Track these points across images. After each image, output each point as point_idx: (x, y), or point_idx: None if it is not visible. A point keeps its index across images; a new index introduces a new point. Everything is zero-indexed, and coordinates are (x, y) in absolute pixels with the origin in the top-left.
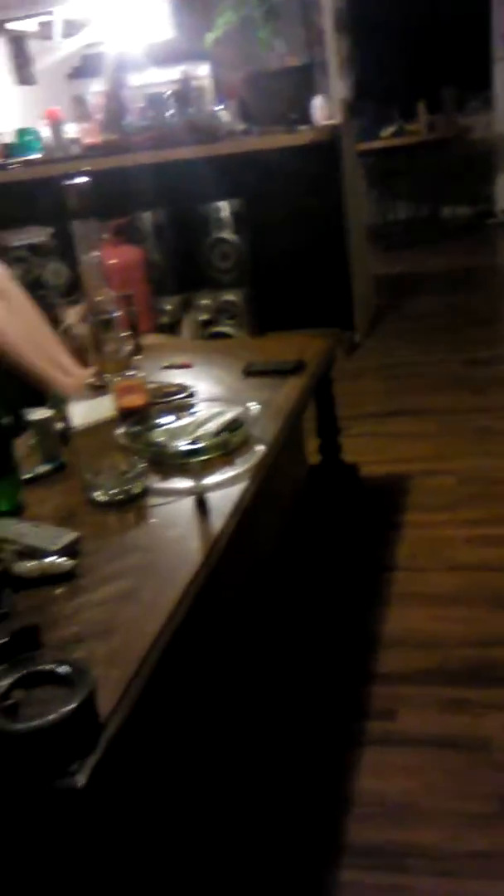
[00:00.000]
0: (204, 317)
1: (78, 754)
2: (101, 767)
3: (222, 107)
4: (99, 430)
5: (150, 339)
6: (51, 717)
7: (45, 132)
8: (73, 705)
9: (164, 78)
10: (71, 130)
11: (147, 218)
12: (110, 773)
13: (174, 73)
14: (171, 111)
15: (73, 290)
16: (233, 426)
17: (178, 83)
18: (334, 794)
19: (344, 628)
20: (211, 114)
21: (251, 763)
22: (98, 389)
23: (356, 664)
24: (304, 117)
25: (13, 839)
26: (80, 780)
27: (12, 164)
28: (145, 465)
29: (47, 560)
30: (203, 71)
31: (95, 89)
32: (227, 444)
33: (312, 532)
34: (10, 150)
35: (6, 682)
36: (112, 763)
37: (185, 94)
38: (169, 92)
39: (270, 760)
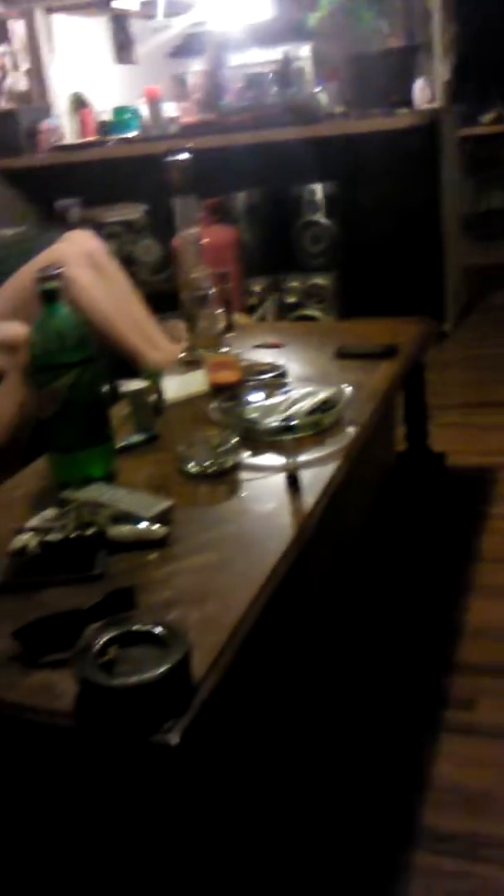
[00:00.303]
0: (291, 299)
1: (172, 714)
2: (193, 728)
3: (321, 88)
4: (191, 404)
5: (239, 319)
6: (148, 675)
7: (144, 111)
8: (169, 665)
9: (264, 58)
10: (169, 109)
11: (240, 198)
12: (202, 734)
13: (275, 53)
14: (271, 92)
15: (164, 267)
16: (325, 406)
17: (278, 63)
18: (411, 779)
19: (426, 616)
20: (310, 95)
21: (331, 742)
22: (188, 365)
23: (437, 653)
24: (405, 100)
25: (108, 792)
26: (174, 738)
27: (109, 141)
28: (237, 439)
29: (141, 526)
30: (304, 52)
31: (195, 69)
32: (320, 423)
33: (398, 518)
34: (107, 127)
35: (103, 639)
36: (204, 725)
37: (285, 74)
38: (269, 72)
39: (350, 740)
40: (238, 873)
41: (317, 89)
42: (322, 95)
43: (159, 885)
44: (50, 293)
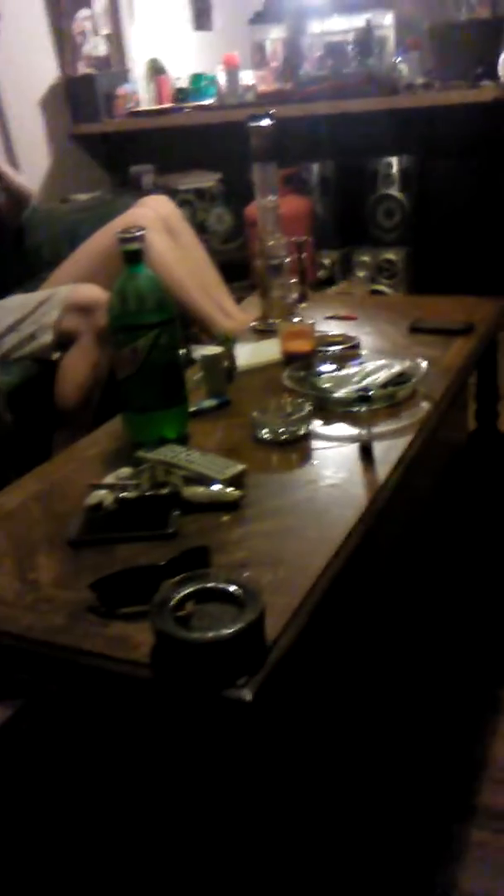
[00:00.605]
0: (362, 274)
1: (246, 671)
2: (266, 686)
3: (403, 58)
4: (262, 372)
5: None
6: (225, 631)
7: (221, 78)
8: (245, 623)
9: (345, 26)
10: (246, 77)
11: (314, 169)
12: (274, 692)
13: (357, 21)
14: (350, 61)
15: (235, 236)
16: (400, 380)
17: (359, 32)
18: (470, 756)
19: (489, 595)
20: (391, 65)
21: (393, 717)
22: (260, 333)
23: (499, 631)
24: (490, 73)
25: (181, 742)
26: (248, 694)
27: (185, 108)
28: (310, 408)
29: (215, 488)
30: (387, 20)
31: (274, 36)
32: (394, 396)
33: (466, 497)
34: (183, 94)
35: (180, 594)
36: (276, 683)
37: (366, 43)
38: (350, 41)
39: (410, 717)
40: (300, 832)
41: (398, 59)
42: (403, 66)
43: (227, 836)
44: (132, 254)
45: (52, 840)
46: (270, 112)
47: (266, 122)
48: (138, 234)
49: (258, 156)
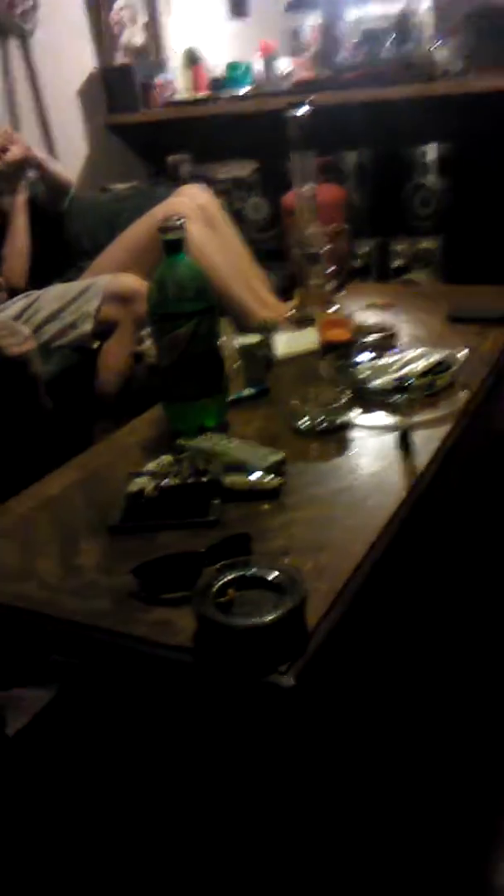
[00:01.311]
0: (397, 263)
1: (287, 657)
2: (307, 671)
3: (441, 44)
4: (300, 361)
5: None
6: (267, 617)
7: (257, 66)
8: (287, 609)
9: (382, 12)
10: (283, 65)
11: (350, 158)
12: (316, 678)
13: (394, 7)
14: (387, 47)
15: (271, 225)
16: (438, 369)
17: (397, 18)
18: None
19: None
20: (429, 51)
21: (434, 700)
22: (298, 323)
23: None
24: None
25: (223, 726)
26: (289, 680)
27: (221, 97)
28: (349, 397)
29: (255, 476)
30: (425, 4)
31: (311, 23)
32: (433, 385)
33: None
34: (219, 83)
35: (222, 580)
36: (318, 669)
37: (403, 29)
38: (387, 27)
39: (451, 701)
40: (340, 818)
41: (435, 45)
42: (441, 52)
43: (266, 819)
44: (172, 243)
45: (90, 823)
46: (309, 100)
47: (304, 111)
48: (178, 223)
49: (296, 144)
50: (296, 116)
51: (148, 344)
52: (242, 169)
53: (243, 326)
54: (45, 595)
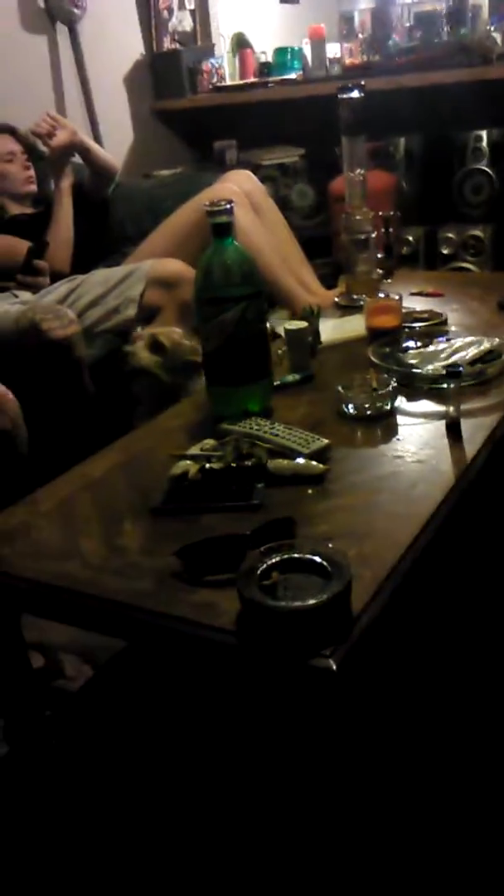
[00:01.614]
0: (446, 251)
1: (332, 641)
2: (352, 656)
3: (497, 27)
4: (346, 347)
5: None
6: (312, 600)
7: (306, 51)
8: (333, 593)
9: None
10: (333, 50)
11: (400, 143)
12: (360, 663)
13: None
14: (441, 31)
15: (317, 212)
16: (489, 357)
17: (452, 1)
18: None
19: None
20: (484, 34)
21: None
22: (344, 309)
23: None
24: None
25: (265, 709)
26: (333, 663)
27: (269, 82)
28: (396, 384)
29: (299, 461)
30: None
31: (362, 7)
32: (482, 373)
33: None
34: (268, 68)
35: (266, 563)
36: (362, 654)
37: (458, 12)
38: (441, 10)
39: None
40: (382, 802)
41: (492, 28)
42: (497, 34)
43: (307, 797)
44: (221, 227)
45: (131, 802)
46: (360, 83)
47: (356, 94)
48: (227, 206)
49: (347, 128)
50: (348, 99)
51: (139, 345)
52: (289, 155)
53: (289, 312)
54: (89, 575)
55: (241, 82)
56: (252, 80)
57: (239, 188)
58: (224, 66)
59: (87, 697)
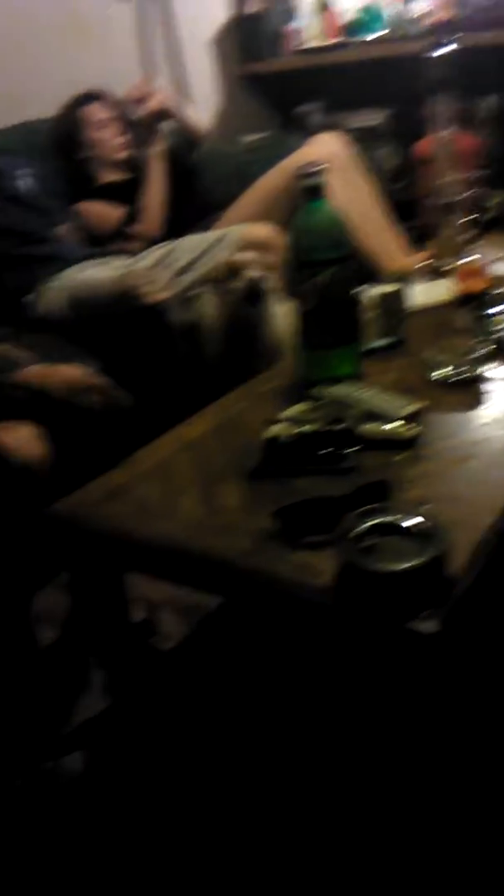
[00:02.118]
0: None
1: (429, 604)
2: (449, 619)
3: None
4: (435, 311)
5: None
6: (411, 563)
7: (391, 9)
8: (431, 556)
9: None
10: (418, 7)
11: (485, 105)
12: (457, 627)
13: None
14: None
15: (402, 176)
16: None
17: None
18: None
19: None
20: None
21: None
22: (432, 273)
23: None
24: None
25: (363, 674)
26: (432, 626)
27: (352, 43)
28: (486, 349)
29: (392, 425)
30: None
31: None
32: None
33: None
34: (351, 28)
35: (363, 526)
36: (458, 618)
37: None
38: None
39: None
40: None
41: None
42: None
43: (402, 758)
44: (313, 189)
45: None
46: (450, 40)
47: (445, 51)
48: (319, 168)
49: (434, 88)
50: (435, 57)
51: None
52: (373, 117)
53: (376, 277)
54: (188, 533)
55: (325, 44)
56: (336, 41)
57: (328, 151)
58: (307, 28)
59: (183, 655)
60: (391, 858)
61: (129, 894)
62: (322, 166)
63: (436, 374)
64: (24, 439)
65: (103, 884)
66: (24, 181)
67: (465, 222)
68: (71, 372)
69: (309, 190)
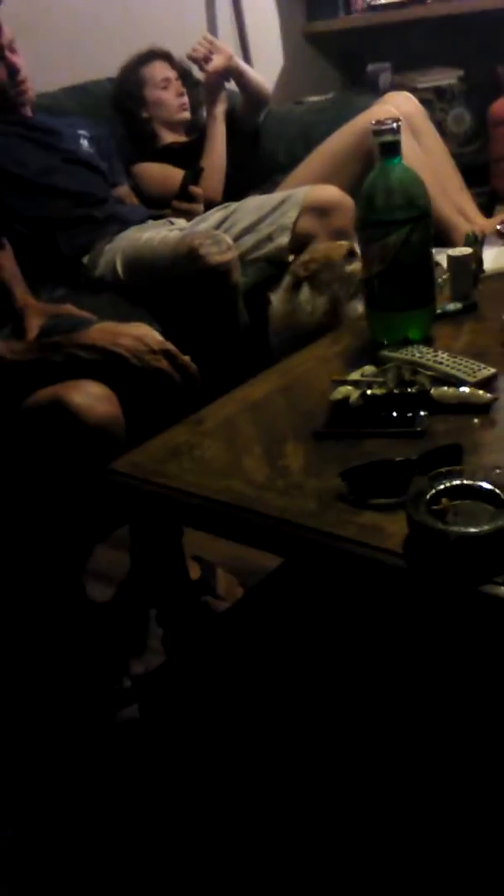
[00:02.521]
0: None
1: (503, 569)
2: None
3: None
4: None
5: None
6: (486, 526)
7: None
8: None
9: None
10: None
11: None
12: None
13: None
14: None
15: (475, 138)
16: None
17: None
18: None
19: None
20: None
21: None
22: None
23: None
24: None
25: (436, 638)
26: None
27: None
28: None
29: (465, 389)
30: None
31: None
32: None
33: None
34: None
35: (435, 488)
36: None
37: None
38: None
39: None
40: None
41: None
42: None
43: (476, 724)
44: (388, 146)
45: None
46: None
47: None
48: (394, 125)
49: None
50: None
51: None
52: (446, 77)
53: (447, 241)
54: (253, 492)
55: (395, 0)
56: None
57: (399, 111)
58: None
59: (238, 617)
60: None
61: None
62: (397, 123)
63: None
64: (95, 398)
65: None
66: (83, 142)
67: None
68: (138, 331)
69: (385, 147)
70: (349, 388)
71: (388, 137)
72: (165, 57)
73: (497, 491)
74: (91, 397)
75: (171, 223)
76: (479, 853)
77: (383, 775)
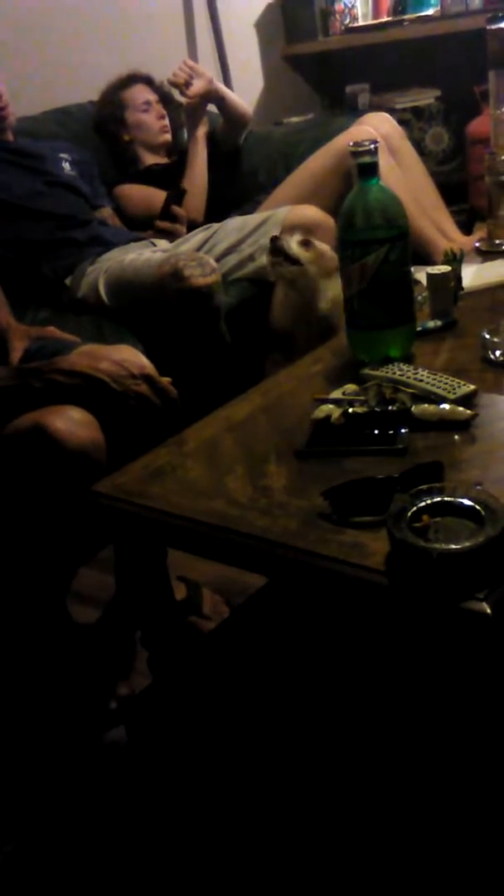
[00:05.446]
0: None
1: (485, 585)
2: None
3: None
4: (489, 293)
5: None
6: (467, 543)
7: None
8: (488, 536)
9: None
10: None
11: None
12: None
13: None
14: None
15: (453, 157)
16: None
17: None
18: None
19: None
20: None
21: None
22: (485, 254)
23: None
24: None
25: (416, 655)
26: (486, 607)
27: (404, 20)
28: None
29: (445, 406)
30: None
31: None
32: None
33: None
34: (402, 5)
35: (416, 506)
36: None
37: None
38: None
39: None
40: None
41: None
42: None
43: (456, 739)
44: (365, 167)
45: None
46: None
47: None
48: (372, 146)
49: (495, 61)
50: (496, 29)
51: (293, 238)
52: (423, 97)
53: (426, 259)
54: (235, 512)
55: (375, 22)
56: (386, 18)
57: (376, 131)
58: (357, 6)
59: (225, 636)
60: (455, 837)
61: (165, 857)
62: (375, 144)
63: (490, 356)
64: (76, 423)
65: (142, 846)
66: (65, 165)
67: None
68: (120, 355)
69: (362, 168)
70: (331, 406)
71: (366, 159)
72: (146, 80)
73: (478, 507)
74: (72, 422)
75: (154, 244)
76: (458, 865)
77: (369, 794)
